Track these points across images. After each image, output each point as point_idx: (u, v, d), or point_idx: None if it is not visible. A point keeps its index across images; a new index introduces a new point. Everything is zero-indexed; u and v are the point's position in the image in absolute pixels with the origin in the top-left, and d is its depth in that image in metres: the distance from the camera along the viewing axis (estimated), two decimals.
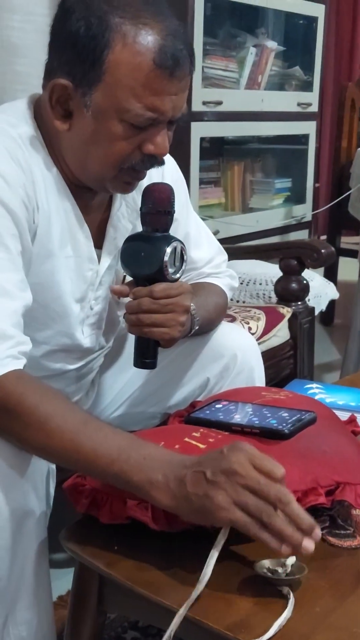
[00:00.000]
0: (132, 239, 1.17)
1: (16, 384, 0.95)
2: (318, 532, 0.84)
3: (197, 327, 1.26)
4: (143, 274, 1.16)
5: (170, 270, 1.15)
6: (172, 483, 0.87)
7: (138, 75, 1.03)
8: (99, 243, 1.22)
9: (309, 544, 0.82)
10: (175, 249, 1.15)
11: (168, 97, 1.06)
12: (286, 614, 0.81)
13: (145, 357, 1.18)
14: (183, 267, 1.17)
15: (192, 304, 1.22)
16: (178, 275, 1.17)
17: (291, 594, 0.83)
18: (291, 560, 0.85)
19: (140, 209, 1.16)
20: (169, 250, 1.13)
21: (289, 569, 0.85)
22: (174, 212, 1.17)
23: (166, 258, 1.13)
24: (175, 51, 1.04)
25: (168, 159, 1.22)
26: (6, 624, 0.99)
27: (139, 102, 1.04)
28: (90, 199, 1.19)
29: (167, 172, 1.29)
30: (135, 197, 1.22)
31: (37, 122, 1.13)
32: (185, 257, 1.17)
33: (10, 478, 0.94)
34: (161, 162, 1.14)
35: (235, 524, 0.83)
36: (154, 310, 1.14)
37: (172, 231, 1.19)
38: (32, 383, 0.97)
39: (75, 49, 1.04)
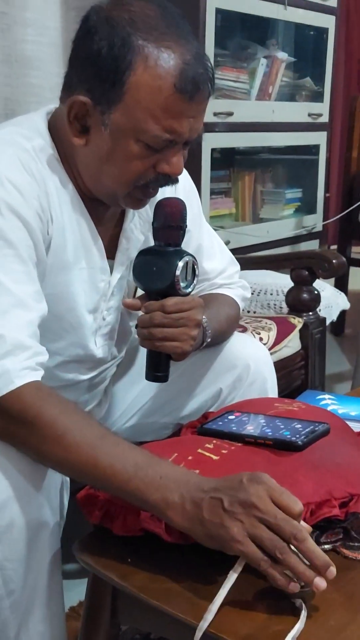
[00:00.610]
0: (144, 253, 1.18)
1: (35, 397, 0.95)
2: (333, 569, 0.83)
3: (209, 339, 1.27)
4: (155, 288, 1.16)
5: (182, 284, 1.15)
6: (188, 505, 0.86)
7: (158, 98, 1.04)
8: (111, 254, 1.23)
9: (321, 582, 0.81)
10: (187, 263, 1.15)
11: (186, 120, 1.06)
12: (299, 626, 0.80)
13: (157, 371, 1.18)
14: (195, 281, 1.18)
15: (203, 317, 1.22)
16: (190, 289, 1.17)
17: (304, 607, 0.83)
18: None
19: (153, 223, 1.17)
20: (180, 264, 1.14)
21: (302, 581, 0.85)
22: (186, 227, 1.18)
23: (178, 272, 1.14)
24: (196, 75, 1.05)
25: None
26: (19, 636, 0.99)
27: (158, 124, 1.05)
28: (104, 211, 1.20)
29: (180, 184, 1.29)
30: (148, 209, 1.23)
31: (52, 134, 1.13)
32: (197, 271, 1.18)
33: (26, 490, 0.95)
34: (175, 181, 1.15)
35: (247, 557, 0.83)
36: (165, 324, 1.14)
37: (185, 242, 1.20)
38: (50, 396, 0.97)
39: (97, 68, 1.05)
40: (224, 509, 0.84)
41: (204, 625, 0.81)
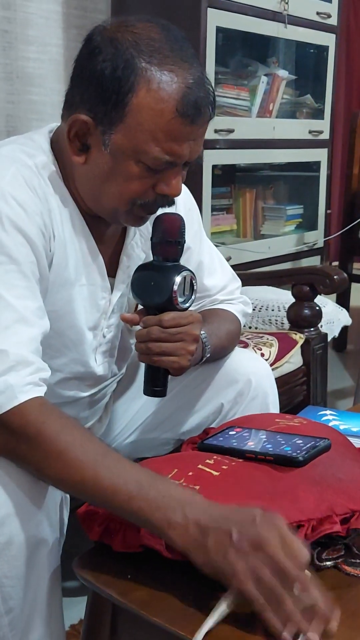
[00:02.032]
0: (142, 269, 1.18)
1: (38, 413, 0.95)
2: (334, 624, 0.81)
3: (208, 355, 1.26)
4: (153, 303, 1.16)
5: (180, 299, 1.15)
6: (192, 528, 0.85)
7: (160, 121, 1.04)
8: (112, 271, 1.23)
9: (314, 637, 0.79)
10: (185, 278, 1.15)
11: (187, 143, 1.07)
12: None
13: (155, 386, 1.18)
14: (193, 296, 1.18)
15: (203, 332, 1.22)
16: (188, 304, 1.17)
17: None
18: None
19: (151, 238, 1.17)
20: (178, 279, 1.14)
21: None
22: (184, 242, 1.18)
23: (175, 287, 1.14)
24: (198, 99, 1.05)
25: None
26: None
27: (158, 146, 1.05)
28: (105, 228, 1.21)
29: (181, 200, 1.30)
30: (149, 227, 1.23)
31: (55, 152, 1.14)
32: (195, 286, 1.18)
33: (26, 507, 0.94)
34: (172, 202, 1.16)
35: (246, 595, 0.81)
36: (163, 339, 1.14)
37: (186, 259, 1.20)
38: (53, 412, 0.97)
39: (99, 88, 1.05)
40: (232, 542, 0.83)
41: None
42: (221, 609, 0.83)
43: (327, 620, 0.81)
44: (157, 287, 1.15)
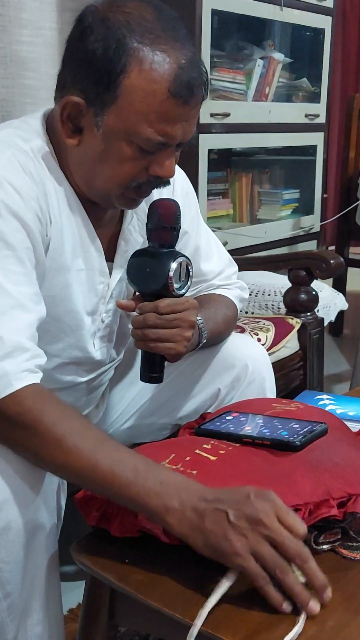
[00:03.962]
0: (138, 255, 1.17)
1: (34, 400, 0.95)
2: (329, 592, 0.83)
3: (204, 340, 1.26)
4: (149, 289, 1.16)
5: (176, 285, 1.15)
6: (189, 513, 0.86)
7: (152, 102, 1.03)
8: (110, 256, 1.22)
9: (314, 606, 0.82)
10: (180, 264, 1.15)
11: (179, 124, 1.06)
12: (298, 628, 0.80)
13: (152, 372, 1.18)
14: (189, 282, 1.18)
15: (199, 318, 1.22)
16: (184, 290, 1.17)
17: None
18: None
19: (146, 224, 1.17)
20: (174, 266, 1.14)
21: (304, 581, 0.84)
22: (180, 228, 1.17)
23: (171, 274, 1.13)
24: (191, 79, 1.04)
25: (178, 172, 1.23)
26: (17, 639, 0.99)
27: (151, 127, 1.05)
28: (102, 212, 1.20)
29: (178, 185, 1.29)
30: (146, 211, 1.23)
31: (50, 136, 1.13)
32: (191, 272, 1.17)
33: (23, 492, 0.94)
34: (167, 183, 1.15)
35: (247, 572, 0.82)
36: (159, 325, 1.14)
37: (183, 244, 1.19)
38: (50, 399, 0.97)
39: (91, 69, 1.04)
40: (229, 521, 0.84)
41: (194, 632, 0.80)
42: (223, 589, 0.83)
43: (325, 589, 0.83)
44: (153, 273, 1.14)
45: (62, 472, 0.96)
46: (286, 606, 0.82)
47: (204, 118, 2.46)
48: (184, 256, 1.16)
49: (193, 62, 1.06)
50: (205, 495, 0.87)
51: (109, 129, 1.06)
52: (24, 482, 0.94)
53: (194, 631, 0.80)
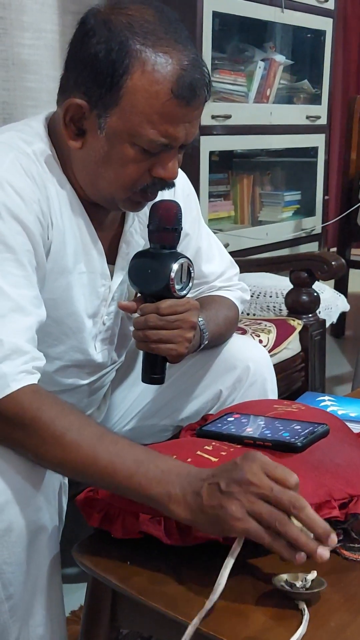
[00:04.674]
0: (139, 256, 1.18)
1: (32, 399, 0.95)
2: (334, 537, 0.83)
3: (206, 342, 1.26)
4: (150, 290, 1.16)
5: (177, 287, 1.15)
6: (189, 496, 0.87)
7: (155, 103, 1.04)
8: (111, 259, 1.23)
9: (323, 552, 0.82)
10: (182, 265, 1.15)
11: (182, 125, 1.07)
12: (302, 630, 0.80)
13: (153, 373, 1.18)
14: (190, 283, 1.18)
15: (200, 319, 1.22)
16: (185, 292, 1.17)
17: (307, 611, 0.82)
18: (312, 575, 0.85)
19: (148, 226, 1.17)
20: (175, 267, 1.14)
21: (308, 583, 0.84)
22: (181, 229, 1.17)
23: (173, 275, 1.14)
24: (193, 81, 1.05)
25: (180, 173, 1.23)
26: None
27: (154, 128, 1.05)
28: (104, 215, 1.20)
29: (179, 187, 1.29)
30: (147, 213, 1.23)
31: (52, 139, 1.13)
32: (192, 273, 1.18)
33: (24, 494, 0.94)
34: (171, 185, 1.15)
35: (249, 533, 0.83)
36: (160, 326, 1.14)
37: (184, 246, 1.19)
38: (47, 398, 0.97)
39: (94, 71, 1.04)
40: (221, 490, 0.84)
41: (196, 622, 0.81)
42: (230, 564, 0.84)
43: (328, 534, 0.82)
44: (154, 274, 1.14)
45: (63, 468, 0.96)
46: (300, 557, 0.81)
47: (205, 120, 2.47)
48: (186, 257, 1.17)
49: (195, 64, 1.06)
50: (201, 475, 0.88)
51: (112, 130, 1.06)
52: (25, 483, 0.95)
53: (215, 596, 0.81)
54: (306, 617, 0.81)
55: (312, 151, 3.14)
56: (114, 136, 1.07)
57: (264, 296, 2.32)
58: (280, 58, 2.92)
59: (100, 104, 1.06)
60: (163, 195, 1.21)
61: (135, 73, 1.03)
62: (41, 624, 1.01)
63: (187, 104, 1.05)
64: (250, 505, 0.83)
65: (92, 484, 0.97)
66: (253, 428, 1.08)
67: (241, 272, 1.50)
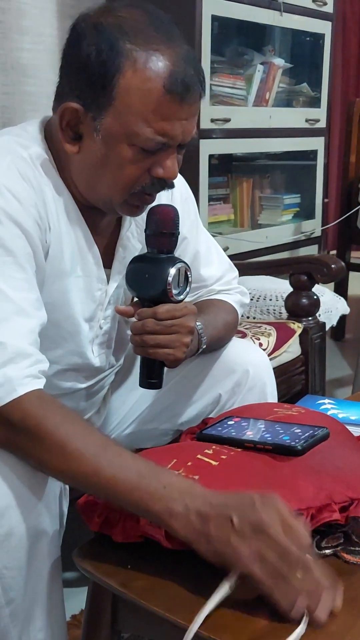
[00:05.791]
0: (136, 260, 1.18)
1: (37, 405, 0.95)
2: (339, 602, 0.83)
3: (204, 346, 1.26)
4: (147, 295, 1.16)
5: (175, 291, 1.15)
6: (194, 517, 0.86)
7: (148, 101, 1.04)
8: (108, 263, 1.23)
9: (322, 615, 0.81)
10: (179, 270, 1.15)
11: (178, 122, 1.06)
12: (299, 631, 0.80)
13: (151, 378, 1.18)
14: (187, 288, 1.18)
15: (198, 323, 1.22)
16: (182, 296, 1.17)
17: (306, 612, 0.82)
18: None
19: (145, 230, 1.17)
20: (172, 271, 1.14)
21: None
22: (179, 234, 1.17)
23: (170, 279, 1.13)
24: (186, 77, 1.05)
25: (178, 177, 1.23)
26: None
27: (149, 126, 1.05)
28: (100, 219, 1.20)
29: (177, 191, 1.29)
30: (144, 217, 1.23)
31: (48, 143, 1.13)
32: (190, 278, 1.17)
33: (25, 498, 0.94)
34: (171, 185, 1.14)
35: (253, 578, 0.82)
36: (157, 331, 1.14)
37: (182, 250, 1.19)
38: (53, 404, 0.97)
39: (86, 74, 1.05)
40: (233, 527, 0.83)
41: (189, 636, 0.80)
42: (222, 592, 0.83)
43: (332, 600, 0.82)
44: (152, 279, 1.14)
45: (65, 477, 0.96)
46: (295, 612, 0.81)
47: (205, 123, 2.47)
48: (183, 262, 1.17)
49: (187, 59, 1.06)
50: (209, 500, 0.87)
51: (108, 132, 1.07)
52: (26, 488, 0.94)
53: (189, 636, 0.80)
54: (305, 618, 0.81)
55: (312, 154, 3.14)
56: (110, 137, 1.07)
57: (264, 299, 2.32)
58: (279, 61, 2.92)
59: (95, 106, 1.06)
60: (160, 198, 1.21)
61: (126, 72, 1.03)
62: (42, 629, 1.00)
63: (181, 100, 1.05)
64: (260, 552, 0.82)
65: (93, 495, 0.97)
66: (253, 431, 1.08)
67: (241, 275, 1.50)
